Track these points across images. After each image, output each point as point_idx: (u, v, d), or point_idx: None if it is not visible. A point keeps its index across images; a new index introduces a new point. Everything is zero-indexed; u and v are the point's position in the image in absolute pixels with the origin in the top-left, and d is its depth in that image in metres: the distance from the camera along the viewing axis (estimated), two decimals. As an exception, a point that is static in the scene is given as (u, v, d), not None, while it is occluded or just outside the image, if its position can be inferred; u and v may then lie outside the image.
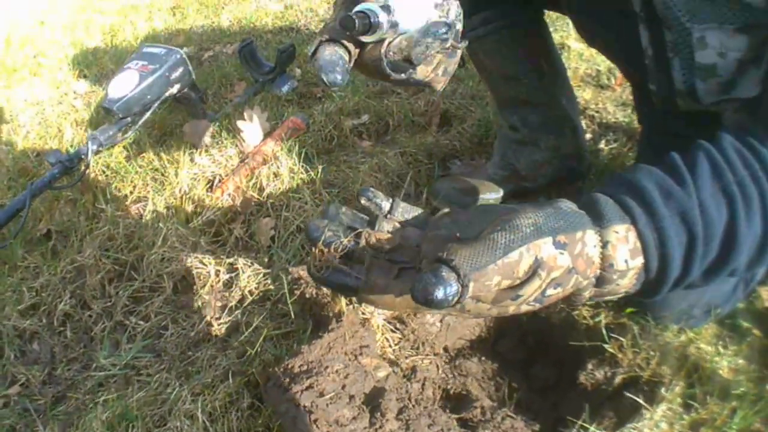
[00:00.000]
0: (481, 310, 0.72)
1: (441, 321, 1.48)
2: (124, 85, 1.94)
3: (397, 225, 0.85)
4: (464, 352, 1.49)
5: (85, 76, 2.93)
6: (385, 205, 0.87)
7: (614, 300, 1.40)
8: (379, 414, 1.20)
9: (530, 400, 1.39)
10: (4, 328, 1.71)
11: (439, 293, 0.65)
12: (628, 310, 1.38)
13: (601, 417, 1.24)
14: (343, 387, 1.23)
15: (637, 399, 1.20)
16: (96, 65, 2.97)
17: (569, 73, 2.22)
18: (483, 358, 1.46)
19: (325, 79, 0.87)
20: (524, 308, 0.73)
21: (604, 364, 1.33)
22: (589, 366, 1.34)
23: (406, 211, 0.87)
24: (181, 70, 2.04)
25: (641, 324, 1.34)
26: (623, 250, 0.71)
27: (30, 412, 1.51)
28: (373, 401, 1.24)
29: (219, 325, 1.58)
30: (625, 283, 0.74)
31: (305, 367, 1.28)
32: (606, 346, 1.32)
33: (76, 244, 1.89)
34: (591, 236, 0.71)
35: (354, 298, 1.50)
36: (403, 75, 0.92)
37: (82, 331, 1.70)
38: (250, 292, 1.66)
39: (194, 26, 3.34)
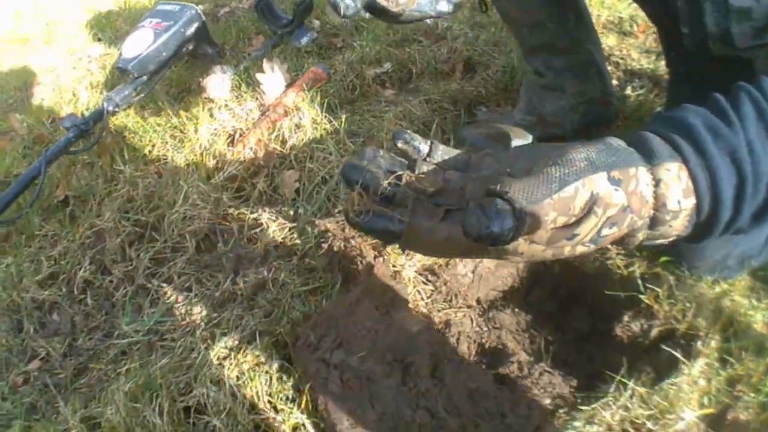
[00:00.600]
0: (534, 252, 0.68)
1: (473, 272, 1.41)
2: (139, 43, 1.87)
3: (437, 168, 0.79)
4: (497, 304, 1.43)
5: (99, 39, 2.85)
6: (424, 147, 0.81)
7: (651, 248, 1.35)
8: (412, 370, 1.14)
9: (565, 353, 1.33)
10: (23, 301, 1.65)
11: (495, 227, 0.62)
12: (663, 259, 1.31)
13: (638, 371, 1.17)
14: (374, 343, 1.17)
15: (675, 353, 1.13)
16: (110, 28, 2.90)
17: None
18: (516, 310, 1.39)
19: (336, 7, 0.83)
20: (579, 249, 0.69)
21: (640, 315, 1.27)
22: (625, 318, 1.28)
23: (446, 153, 0.81)
24: (196, 25, 1.96)
25: (676, 274, 1.28)
26: (676, 189, 0.68)
27: (50, 388, 1.46)
28: (406, 357, 1.17)
29: (244, 283, 1.50)
30: (678, 225, 0.70)
31: (334, 324, 1.21)
32: (642, 296, 1.25)
33: (95, 209, 1.82)
34: (644, 173, 0.68)
35: (387, 249, 1.43)
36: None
37: (103, 297, 1.63)
38: (276, 247, 1.58)
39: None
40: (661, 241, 0.73)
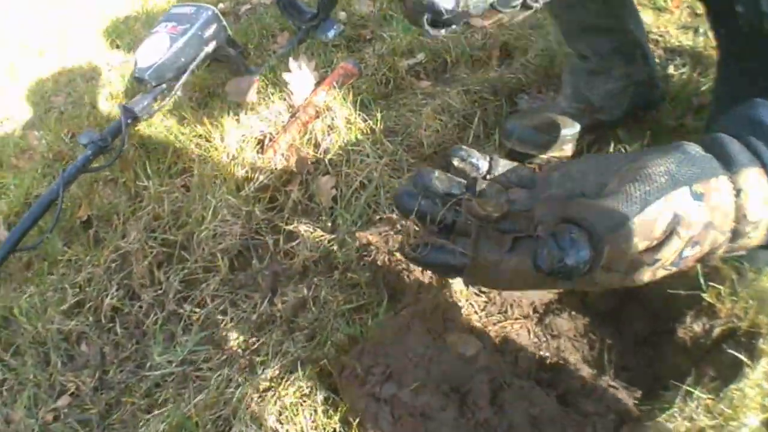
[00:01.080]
0: (612, 281, 0.64)
1: None
2: (154, 50, 1.77)
3: (500, 187, 0.74)
4: (553, 308, 1.34)
5: (117, 47, 2.77)
6: (483, 164, 0.76)
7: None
8: (470, 400, 1.05)
9: (625, 358, 1.26)
10: (48, 333, 1.56)
11: (570, 259, 0.58)
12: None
13: (701, 375, 1.10)
14: (428, 373, 1.07)
15: (738, 355, 1.06)
16: (128, 33, 2.81)
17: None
18: (573, 313, 1.31)
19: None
20: (660, 273, 0.64)
21: (702, 315, 1.19)
22: (687, 318, 1.20)
23: (507, 168, 0.76)
24: (214, 27, 1.85)
25: (737, 267, 1.18)
26: (757, 198, 0.63)
27: (83, 425, 1.37)
28: (464, 386, 1.08)
29: (283, 303, 1.40)
30: (758, 235, 0.66)
31: (383, 352, 1.11)
32: (704, 295, 1.16)
33: (120, 229, 1.73)
34: (725, 183, 0.63)
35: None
36: (441, 32, 0.84)
37: (133, 325, 1.54)
38: (315, 262, 1.47)
39: (230, -19, 3.14)
40: (739, 252, 0.69)
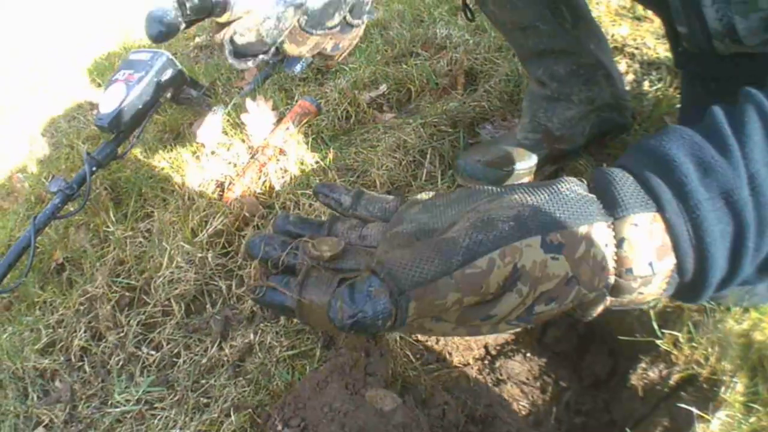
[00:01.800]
0: (444, 330, 0.59)
1: None
2: (113, 98, 1.88)
3: (352, 224, 0.72)
4: (507, 349, 1.38)
5: (99, 85, 2.91)
6: (345, 199, 0.74)
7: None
8: None
9: (580, 400, 1.29)
10: (26, 369, 1.71)
11: (362, 315, 0.51)
12: None
13: (653, 425, 1.12)
14: (343, 427, 1.12)
15: (691, 408, 1.07)
16: (110, 70, 2.94)
17: (602, 9, 2.06)
18: (528, 355, 1.35)
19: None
20: (504, 328, 0.58)
21: (659, 361, 1.20)
22: (642, 365, 1.21)
23: (372, 202, 0.73)
24: (170, 72, 1.96)
25: (700, 308, 1.20)
26: (646, 249, 0.55)
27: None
28: None
29: (230, 348, 1.53)
30: (652, 290, 0.58)
31: (301, 405, 1.19)
32: (659, 342, 1.18)
33: (89, 273, 1.87)
34: (601, 231, 0.55)
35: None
36: (248, 63, 0.81)
37: (99, 365, 1.67)
38: (262, 308, 1.59)
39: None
40: (634, 306, 0.62)
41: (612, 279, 0.57)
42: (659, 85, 1.77)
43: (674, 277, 0.58)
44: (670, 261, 0.56)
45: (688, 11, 0.91)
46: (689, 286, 0.59)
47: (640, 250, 0.55)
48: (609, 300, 0.59)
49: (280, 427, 1.18)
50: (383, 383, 1.26)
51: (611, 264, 0.56)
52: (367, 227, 0.70)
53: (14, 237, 2.14)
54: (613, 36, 1.97)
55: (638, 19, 2.06)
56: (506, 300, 0.54)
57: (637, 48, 1.92)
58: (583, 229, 0.54)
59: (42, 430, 1.61)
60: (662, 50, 1.88)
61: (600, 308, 0.60)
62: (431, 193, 0.68)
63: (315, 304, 0.64)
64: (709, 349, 1.14)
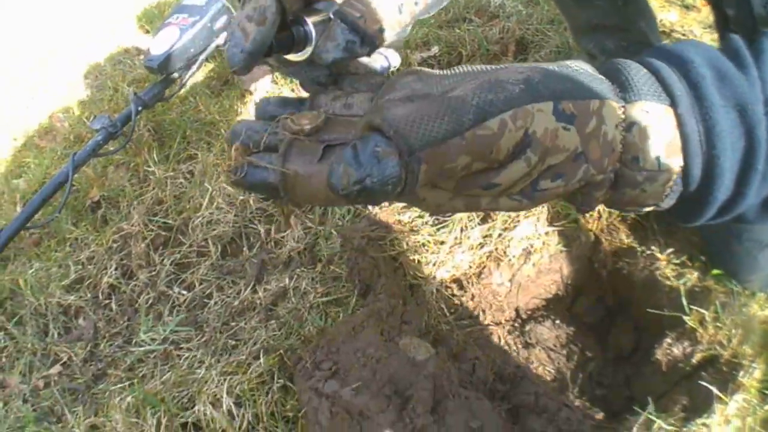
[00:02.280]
0: (439, 200, 0.53)
1: (510, 280, 1.32)
2: (165, 41, 1.83)
3: (339, 93, 0.65)
4: (537, 315, 1.34)
5: (147, 32, 2.87)
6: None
7: (700, 260, 1.25)
8: (411, 406, 1.04)
9: (603, 373, 1.26)
10: (49, 305, 1.66)
11: (371, 179, 0.46)
12: (714, 272, 1.21)
13: (672, 402, 1.09)
14: (374, 373, 1.08)
15: (712, 388, 1.04)
16: (159, 19, 2.89)
17: (654, -6, 2.02)
18: (557, 321, 1.31)
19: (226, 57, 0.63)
20: (505, 203, 0.53)
21: (683, 338, 1.17)
22: (668, 340, 1.18)
23: (359, 80, 0.66)
24: (224, 18, 1.91)
25: (727, 289, 1.18)
26: (655, 139, 0.50)
27: (69, 392, 1.47)
28: (407, 391, 1.08)
29: (264, 291, 1.46)
30: (654, 191, 0.53)
31: (334, 349, 1.15)
32: (686, 319, 1.15)
33: (125, 211, 1.81)
34: (612, 110, 0.50)
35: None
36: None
37: (127, 303, 1.62)
38: (299, 253, 1.53)
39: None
40: (631, 208, 0.57)
41: (617, 165, 0.52)
42: None
43: (678, 183, 0.53)
44: (678, 161, 0.51)
45: None
46: (692, 199, 0.54)
47: (649, 140, 0.51)
48: (609, 192, 0.55)
49: (310, 370, 1.13)
50: (418, 332, 1.23)
51: (619, 148, 0.51)
52: (352, 96, 0.63)
53: (50, 174, 2.10)
54: (661, 21, 1.92)
55: (687, 7, 2.00)
56: (513, 168, 0.49)
57: (683, 35, 1.88)
58: (594, 104, 0.50)
59: (59, 367, 1.56)
60: (708, 39, 1.81)
61: (600, 196, 0.54)
62: (424, 68, 0.61)
63: (300, 175, 0.57)
64: (733, 331, 1.11)
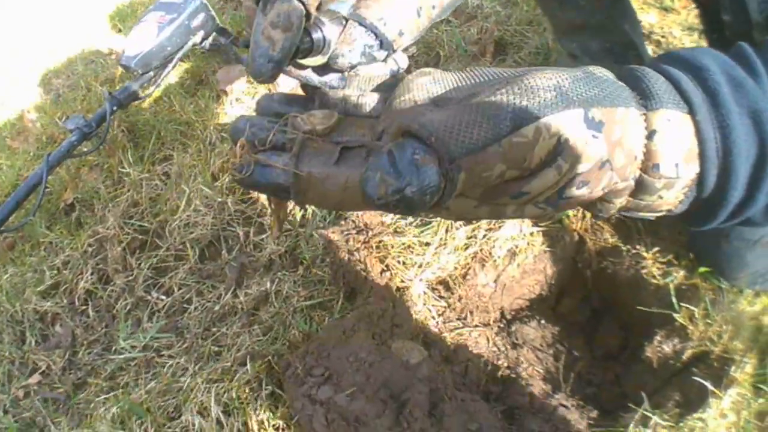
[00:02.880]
0: (464, 209, 0.51)
1: (495, 281, 1.32)
2: (141, 39, 1.81)
3: (349, 93, 0.63)
4: (522, 315, 1.35)
5: (119, 30, 2.83)
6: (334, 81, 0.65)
7: (686, 258, 1.26)
8: (408, 410, 1.03)
9: (592, 371, 1.27)
10: (25, 312, 1.63)
11: (411, 189, 0.44)
12: (701, 270, 1.23)
13: (665, 398, 1.11)
14: (368, 378, 1.07)
15: (705, 383, 1.06)
16: (132, 18, 2.85)
17: (631, -3, 2.04)
18: (543, 322, 1.32)
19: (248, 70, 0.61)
20: (530, 211, 0.52)
21: (673, 335, 1.18)
22: (657, 338, 1.19)
23: (367, 81, 0.64)
24: (201, 16, 1.88)
25: (714, 286, 1.20)
26: (675, 147, 0.50)
27: (50, 402, 1.45)
28: (402, 394, 1.07)
29: (245, 296, 1.44)
30: (670, 197, 0.53)
31: (325, 354, 1.14)
32: (676, 316, 1.17)
33: (100, 214, 1.79)
34: (635, 118, 0.50)
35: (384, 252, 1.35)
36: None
37: (105, 309, 1.60)
38: (281, 256, 1.51)
39: (236, -34, 3.17)
40: (644, 214, 0.57)
41: (638, 173, 0.52)
42: None
43: (693, 189, 0.53)
44: (694, 168, 0.52)
45: (734, 3, 0.91)
46: (705, 204, 0.55)
47: (670, 147, 0.51)
48: (628, 199, 0.54)
49: (302, 376, 1.12)
50: (409, 335, 1.22)
51: (641, 156, 0.51)
52: (363, 96, 0.61)
53: (22, 176, 2.07)
54: (640, 23, 1.92)
55: (666, 9, 2.01)
56: (543, 176, 0.48)
57: (663, 36, 1.88)
58: (620, 112, 0.49)
59: (38, 376, 1.54)
60: (688, 41, 1.85)
61: (619, 203, 0.54)
62: (435, 69, 0.59)
63: (315, 177, 0.55)
64: (723, 327, 1.13)
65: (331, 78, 0.64)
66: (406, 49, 1.66)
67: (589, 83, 0.50)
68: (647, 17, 1.94)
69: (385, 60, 0.63)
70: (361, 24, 0.60)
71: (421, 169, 0.44)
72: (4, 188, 2.06)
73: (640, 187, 0.52)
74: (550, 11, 1.58)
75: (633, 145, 0.50)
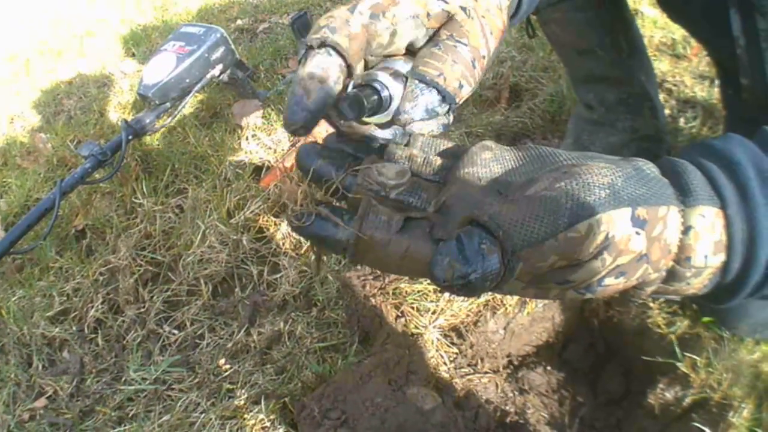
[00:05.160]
0: (513, 290, 0.56)
1: (505, 328, 1.38)
2: (161, 68, 1.86)
3: (416, 152, 0.65)
4: (529, 361, 1.40)
5: (133, 55, 2.89)
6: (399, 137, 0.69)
7: (691, 308, 1.32)
8: None
9: (595, 416, 1.31)
10: (33, 336, 1.68)
11: (475, 275, 0.48)
12: (705, 319, 1.28)
13: None
14: (383, 422, 1.12)
15: (704, 429, 1.12)
16: (146, 42, 2.93)
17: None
18: (549, 368, 1.37)
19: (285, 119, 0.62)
20: (570, 295, 0.57)
21: (676, 383, 1.23)
22: (660, 385, 1.24)
23: (429, 144, 0.66)
24: (222, 49, 1.94)
25: (717, 335, 1.25)
26: (707, 241, 0.55)
27: (55, 427, 1.48)
28: None
29: (259, 335, 1.50)
30: (697, 283, 0.58)
31: (341, 398, 1.19)
32: (679, 365, 1.22)
33: (111, 243, 1.84)
34: (674, 216, 0.55)
35: (408, 309, 1.40)
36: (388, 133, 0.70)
37: (114, 339, 1.65)
38: (295, 297, 1.57)
39: (250, -4, 3.25)
40: (671, 296, 0.61)
41: (671, 264, 0.56)
42: (694, 123, 1.79)
43: (716, 276, 0.58)
44: (720, 258, 0.56)
45: (753, 67, 0.94)
46: (726, 287, 0.59)
47: (702, 242, 0.55)
48: (659, 286, 0.58)
49: (318, 418, 1.17)
50: (423, 381, 1.27)
51: (675, 249, 0.55)
52: (428, 158, 0.64)
53: (31, 197, 2.12)
54: (655, 73, 1.98)
55: (678, 56, 2.07)
56: (588, 267, 0.52)
57: (675, 85, 1.94)
58: (662, 210, 0.54)
59: (44, 401, 1.57)
60: (698, 90, 1.90)
61: (650, 290, 0.58)
62: (496, 144, 0.64)
63: (376, 242, 0.58)
64: (723, 375, 1.18)
65: (394, 134, 0.68)
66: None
67: (639, 182, 0.55)
68: (660, 65, 2.01)
69: (447, 113, 0.67)
70: (421, 81, 0.64)
71: (486, 258, 0.49)
72: (12, 207, 2.11)
73: (671, 276, 0.57)
74: (569, 60, 1.62)
75: (670, 241, 0.54)
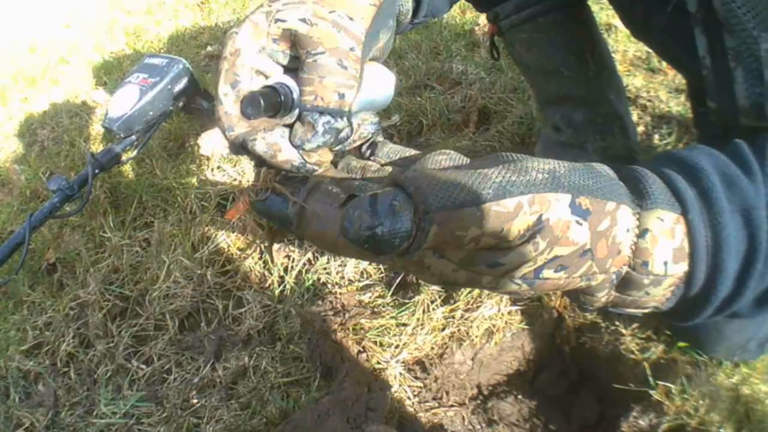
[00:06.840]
0: (443, 271, 0.55)
1: (473, 359, 1.39)
2: (124, 101, 1.84)
3: (371, 164, 0.69)
4: (499, 390, 1.40)
5: (105, 83, 2.89)
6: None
7: (665, 333, 1.32)
8: None
9: None
10: (9, 369, 1.69)
11: (381, 229, 0.48)
12: (680, 344, 1.28)
13: None
14: None
15: None
16: (117, 70, 2.92)
17: (617, 57, 2.07)
18: (520, 397, 1.36)
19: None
20: (505, 285, 0.54)
21: (650, 410, 1.23)
22: (634, 413, 1.23)
23: (395, 152, 0.71)
24: (185, 80, 1.92)
25: (693, 360, 1.25)
26: (665, 246, 0.54)
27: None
28: None
29: (224, 370, 1.52)
30: (658, 294, 0.56)
31: None
32: (652, 392, 1.22)
33: (81, 277, 1.85)
34: (626, 215, 0.54)
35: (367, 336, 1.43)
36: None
37: (86, 373, 1.66)
38: (259, 332, 1.59)
39: (221, 22, 3.22)
40: (631, 310, 0.60)
41: (624, 270, 0.55)
42: (669, 139, 1.79)
43: (680, 287, 0.57)
44: (683, 267, 0.55)
45: (721, 89, 0.89)
46: (692, 301, 0.58)
47: (660, 246, 0.54)
48: (613, 294, 0.58)
49: None
50: (383, 419, 1.27)
51: (627, 252, 0.54)
52: (384, 168, 0.68)
53: (5, 230, 2.12)
54: (627, 86, 1.97)
55: (653, 71, 2.07)
56: (520, 251, 0.51)
57: (649, 100, 1.94)
58: (610, 206, 0.53)
59: (22, 432, 1.59)
60: (674, 104, 1.90)
61: (603, 297, 0.58)
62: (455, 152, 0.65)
63: (318, 215, 0.61)
64: (700, 401, 1.17)
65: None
66: (390, 119, 1.73)
67: (585, 174, 0.54)
68: (634, 80, 2.00)
69: (347, 125, 0.69)
70: (305, 110, 0.67)
71: (396, 214, 0.48)
72: (-14, 242, 2.11)
73: (627, 283, 0.56)
74: (535, 82, 1.59)
75: (620, 240, 0.53)
